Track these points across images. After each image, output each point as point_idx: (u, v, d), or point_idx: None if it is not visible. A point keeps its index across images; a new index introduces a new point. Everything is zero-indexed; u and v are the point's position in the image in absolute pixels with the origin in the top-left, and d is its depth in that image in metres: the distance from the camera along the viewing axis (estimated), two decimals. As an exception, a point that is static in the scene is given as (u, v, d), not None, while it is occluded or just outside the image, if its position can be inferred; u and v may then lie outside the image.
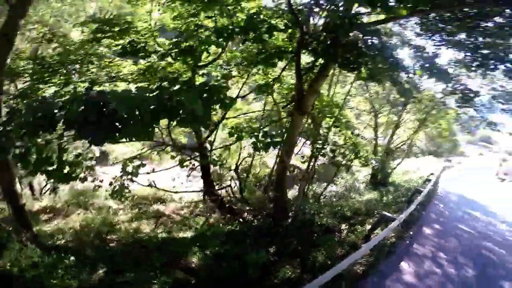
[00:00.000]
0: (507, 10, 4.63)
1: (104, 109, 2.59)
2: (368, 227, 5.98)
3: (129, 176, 5.18)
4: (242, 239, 5.15)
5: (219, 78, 4.59)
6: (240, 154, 8.95)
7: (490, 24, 5.00)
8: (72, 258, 4.31)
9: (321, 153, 6.89)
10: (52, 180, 4.57)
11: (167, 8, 5.14)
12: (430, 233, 6.75)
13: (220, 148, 9.44)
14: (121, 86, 5.03)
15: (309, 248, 4.68)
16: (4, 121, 3.20)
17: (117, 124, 2.62)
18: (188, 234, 6.47)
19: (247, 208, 6.75)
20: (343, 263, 3.67)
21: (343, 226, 6.19)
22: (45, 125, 2.79)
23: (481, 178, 17.30)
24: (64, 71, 4.74)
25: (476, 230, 7.63)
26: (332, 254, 4.61)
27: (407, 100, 9.79)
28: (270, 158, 11.00)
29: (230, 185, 7.36)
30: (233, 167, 7.82)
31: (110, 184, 5.49)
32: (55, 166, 4.18)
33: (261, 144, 4.37)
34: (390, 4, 4.00)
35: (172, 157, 7.08)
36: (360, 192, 10.88)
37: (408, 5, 4.04)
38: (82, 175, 4.36)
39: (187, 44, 4.34)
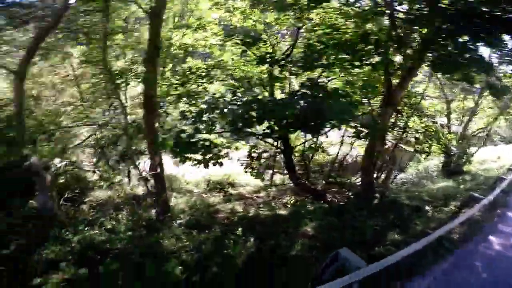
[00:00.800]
0: None
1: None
2: (453, 208, 6.85)
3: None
4: (339, 214, 6.46)
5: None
6: (305, 140, 10.20)
7: None
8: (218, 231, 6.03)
9: (404, 141, 7.84)
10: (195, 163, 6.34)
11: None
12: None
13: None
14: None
15: (405, 221, 5.81)
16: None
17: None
18: (283, 211, 7.96)
19: (333, 189, 8.04)
20: (443, 228, 4.75)
21: (427, 207, 7.13)
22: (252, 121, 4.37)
23: None
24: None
25: None
26: (427, 226, 5.68)
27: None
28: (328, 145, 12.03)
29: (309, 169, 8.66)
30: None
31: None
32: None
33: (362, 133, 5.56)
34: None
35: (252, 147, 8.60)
36: (433, 180, 11.39)
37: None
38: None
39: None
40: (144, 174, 11.42)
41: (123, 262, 4.70)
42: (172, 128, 7.81)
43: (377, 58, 5.54)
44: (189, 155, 6.45)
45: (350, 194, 7.60)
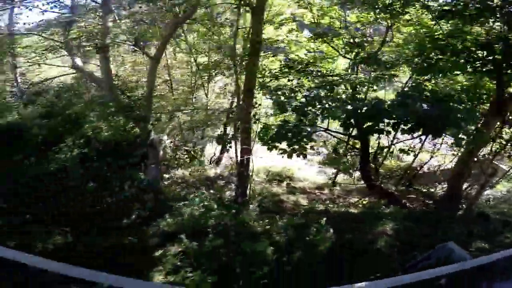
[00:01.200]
0: None
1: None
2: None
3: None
4: (418, 219, 6.61)
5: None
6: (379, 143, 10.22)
7: None
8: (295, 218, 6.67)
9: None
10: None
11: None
12: None
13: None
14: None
15: (492, 233, 5.77)
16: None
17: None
18: (353, 210, 8.30)
19: (411, 195, 8.11)
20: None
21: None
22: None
23: None
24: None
25: None
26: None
27: None
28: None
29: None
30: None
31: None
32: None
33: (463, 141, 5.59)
34: None
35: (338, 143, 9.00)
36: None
37: None
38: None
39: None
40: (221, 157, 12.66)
41: (225, 238, 5.51)
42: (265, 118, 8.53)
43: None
44: (277, 144, 7.18)
45: (430, 202, 7.60)
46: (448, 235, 5.61)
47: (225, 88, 11.33)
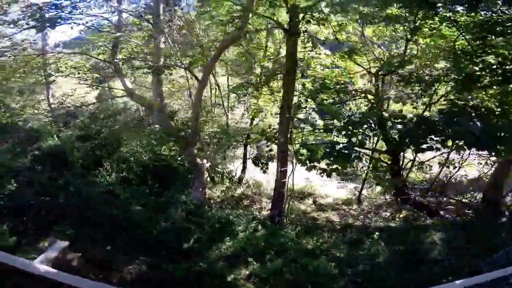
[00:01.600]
0: None
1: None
2: None
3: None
4: (462, 229, 6.92)
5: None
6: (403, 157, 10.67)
7: None
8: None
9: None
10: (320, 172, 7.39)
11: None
12: None
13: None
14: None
15: None
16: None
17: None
18: (392, 224, 8.57)
19: (447, 206, 8.46)
20: None
21: None
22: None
23: None
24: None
25: None
26: None
27: None
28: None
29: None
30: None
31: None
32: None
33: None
34: None
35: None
36: None
37: None
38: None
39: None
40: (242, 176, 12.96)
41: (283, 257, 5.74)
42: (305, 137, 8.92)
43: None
44: (316, 164, 7.56)
45: (468, 211, 7.95)
46: (495, 241, 5.93)
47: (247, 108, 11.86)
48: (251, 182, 13.28)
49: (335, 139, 7.38)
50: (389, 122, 6.18)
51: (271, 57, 9.50)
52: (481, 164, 9.62)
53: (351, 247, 6.34)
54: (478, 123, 5.12)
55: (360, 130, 6.16)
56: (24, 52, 8.07)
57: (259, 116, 12.84)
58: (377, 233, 6.44)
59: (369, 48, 9.29)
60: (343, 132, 6.51)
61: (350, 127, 6.34)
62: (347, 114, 6.83)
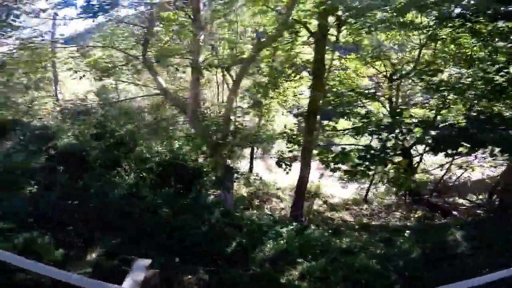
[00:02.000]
0: None
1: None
2: None
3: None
4: (477, 227, 7.51)
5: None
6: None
7: None
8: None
9: None
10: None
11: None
12: None
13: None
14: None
15: None
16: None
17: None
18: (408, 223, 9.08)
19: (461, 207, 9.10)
20: None
21: None
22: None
23: None
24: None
25: None
26: None
27: None
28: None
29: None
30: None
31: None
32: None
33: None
34: None
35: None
36: None
37: None
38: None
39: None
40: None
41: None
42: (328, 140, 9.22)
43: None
44: (339, 166, 7.88)
45: (480, 212, 8.60)
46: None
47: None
48: (258, 182, 13.52)
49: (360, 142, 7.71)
50: (418, 127, 6.58)
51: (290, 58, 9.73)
52: (483, 166, 10.43)
53: (385, 245, 6.70)
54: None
55: (393, 134, 6.52)
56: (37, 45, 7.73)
57: (269, 116, 13.13)
58: (407, 231, 6.82)
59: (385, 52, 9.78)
60: (375, 136, 6.88)
61: (381, 132, 6.68)
62: (375, 119, 7.18)
